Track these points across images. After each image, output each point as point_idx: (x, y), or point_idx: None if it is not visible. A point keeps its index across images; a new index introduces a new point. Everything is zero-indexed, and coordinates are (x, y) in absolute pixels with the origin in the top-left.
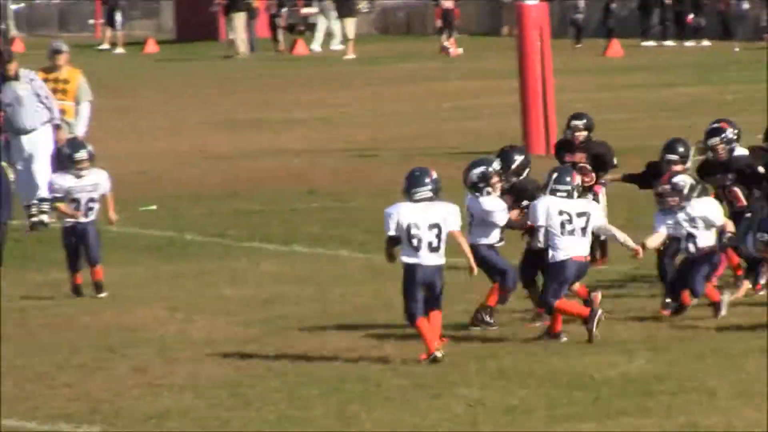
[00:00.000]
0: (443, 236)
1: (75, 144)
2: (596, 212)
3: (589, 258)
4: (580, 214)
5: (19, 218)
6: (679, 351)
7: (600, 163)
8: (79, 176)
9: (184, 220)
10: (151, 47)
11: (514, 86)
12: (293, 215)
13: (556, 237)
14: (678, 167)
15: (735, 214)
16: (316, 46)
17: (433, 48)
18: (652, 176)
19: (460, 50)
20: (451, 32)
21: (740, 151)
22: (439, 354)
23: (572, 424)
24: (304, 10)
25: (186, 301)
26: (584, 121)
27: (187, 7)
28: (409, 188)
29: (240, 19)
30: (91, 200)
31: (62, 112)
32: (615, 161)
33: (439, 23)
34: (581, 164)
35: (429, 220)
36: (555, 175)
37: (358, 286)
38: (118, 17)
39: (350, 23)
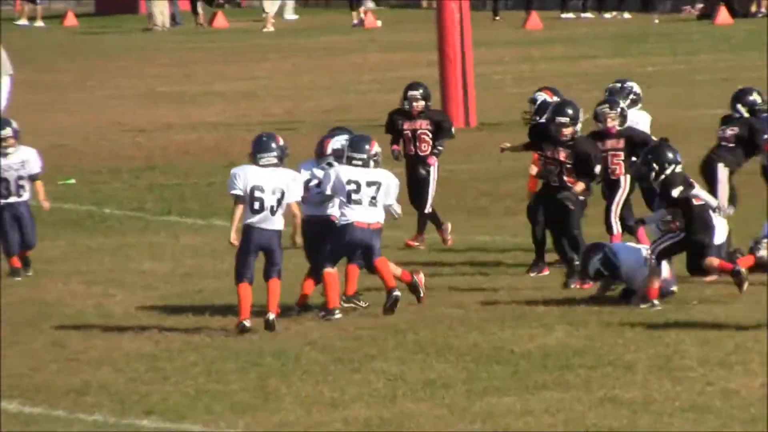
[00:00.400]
0: (284, 202)
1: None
2: (390, 183)
3: (376, 225)
4: (370, 183)
5: None
6: (597, 324)
7: (440, 131)
8: (4, 154)
9: (103, 194)
10: (71, 20)
11: (433, 59)
12: (211, 189)
13: (344, 205)
14: (568, 130)
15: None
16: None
17: (351, 20)
18: (539, 139)
19: (379, 22)
20: (360, 4)
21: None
22: (247, 324)
23: (492, 397)
24: None
25: (104, 276)
26: (421, 90)
27: None
28: (255, 153)
29: None
30: (20, 178)
31: None
32: (453, 131)
33: None
34: (421, 131)
35: (274, 184)
36: (352, 142)
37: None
38: None
39: None
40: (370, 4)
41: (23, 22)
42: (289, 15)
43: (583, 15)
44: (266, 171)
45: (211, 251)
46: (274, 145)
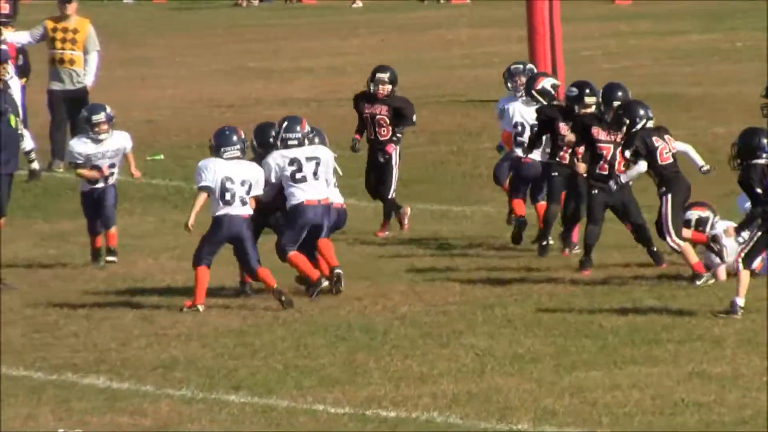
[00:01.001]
0: (251, 194)
1: (93, 106)
2: (329, 157)
3: (326, 201)
4: (309, 159)
5: (25, 168)
6: (686, 299)
7: (400, 117)
8: (98, 141)
9: (191, 170)
10: None
11: (522, 34)
12: None
13: (290, 186)
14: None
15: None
16: None
17: None
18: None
19: None
20: None
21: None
22: (200, 308)
23: (580, 372)
24: None
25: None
26: (389, 74)
27: None
28: (219, 147)
29: None
30: (113, 165)
31: (71, 62)
32: (414, 119)
33: None
34: (380, 116)
35: (242, 176)
36: (285, 124)
37: (368, 233)
38: None
39: None
40: None
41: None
42: None
43: None
44: (232, 163)
45: None
46: (236, 138)
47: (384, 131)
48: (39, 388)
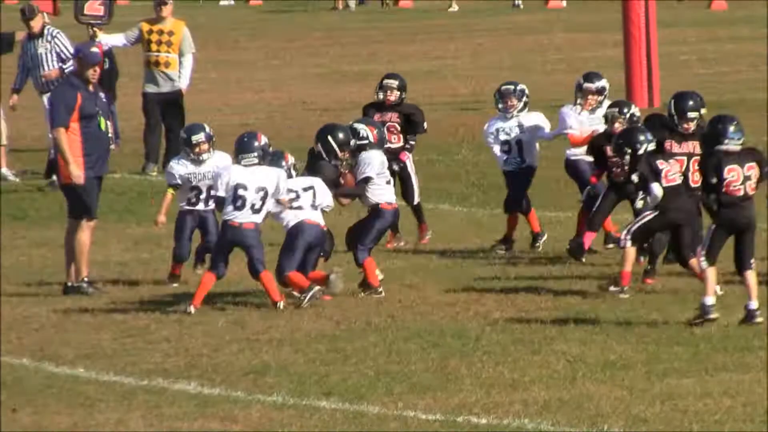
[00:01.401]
0: (268, 201)
1: (192, 127)
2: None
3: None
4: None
5: (119, 171)
6: None
7: (410, 124)
8: (198, 162)
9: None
10: None
11: (618, 39)
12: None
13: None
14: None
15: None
16: None
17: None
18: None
19: (564, 2)
20: None
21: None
22: (192, 309)
23: (672, 379)
24: None
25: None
26: (398, 81)
27: None
28: (238, 154)
29: None
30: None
31: (166, 64)
32: (425, 126)
33: None
34: (390, 123)
35: (257, 183)
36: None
37: (458, 240)
38: None
39: None
40: None
41: (225, 2)
42: None
43: None
44: (250, 170)
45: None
46: (255, 144)
47: (395, 138)
48: (130, 394)
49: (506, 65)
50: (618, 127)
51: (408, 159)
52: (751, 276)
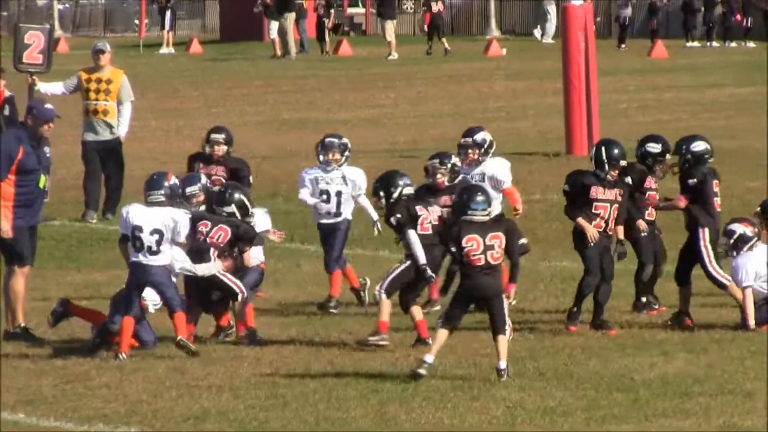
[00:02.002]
0: (164, 242)
1: (187, 178)
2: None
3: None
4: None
5: (60, 218)
6: (717, 352)
7: (235, 178)
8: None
9: None
10: (196, 47)
11: (558, 87)
12: None
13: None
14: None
15: None
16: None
17: (479, 48)
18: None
19: (504, 51)
20: (440, 35)
21: None
22: (122, 356)
23: (611, 425)
24: (350, 11)
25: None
26: (224, 135)
27: (231, 7)
28: (145, 191)
29: (290, 19)
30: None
31: (105, 112)
32: (251, 180)
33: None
34: (215, 176)
35: (153, 225)
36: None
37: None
38: (168, 17)
39: (389, 25)
40: (496, 33)
41: (166, 50)
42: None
43: (708, 44)
44: (150, 210)
45: (326, 282)
46: (165, 183)
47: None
48: None
49: (446, 113)
50: (440, 178)
51: None
52: (502, 340)
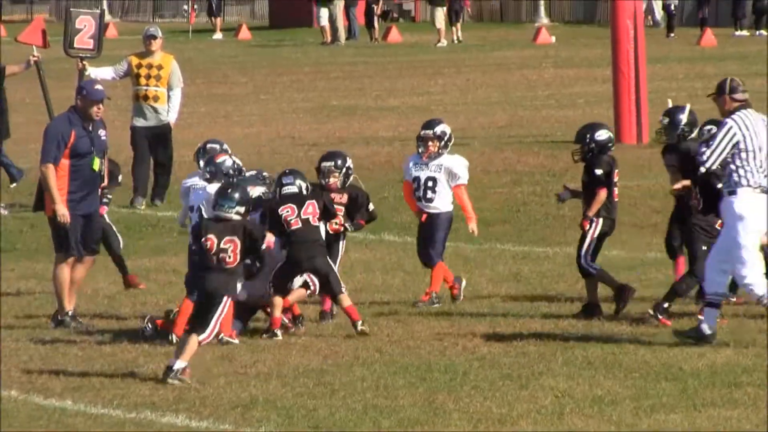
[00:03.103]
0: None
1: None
2: None
3: None
4: None
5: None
6: (766, 343)
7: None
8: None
9: None
10: (245, 33)
11: (607, 75)
12: (383, 203)
13: None
14: None
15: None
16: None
17: (528, 36)
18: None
19: (553, 38)
20: (455, 22)
21: None
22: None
23: (659, 414)
24: None
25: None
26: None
27: None
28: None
29: (340, 6)
30: None
31: (155, 98)
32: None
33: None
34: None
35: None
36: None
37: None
38: (215, 2)
39: (440, 12)
40: (545, 20)
41: (218, 36)
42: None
43: (757, 32)
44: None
45: (382, 266)
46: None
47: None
48: (118, 426)
49: (495, 100)
50: (333, 180)
51: None
52: (193, 340)
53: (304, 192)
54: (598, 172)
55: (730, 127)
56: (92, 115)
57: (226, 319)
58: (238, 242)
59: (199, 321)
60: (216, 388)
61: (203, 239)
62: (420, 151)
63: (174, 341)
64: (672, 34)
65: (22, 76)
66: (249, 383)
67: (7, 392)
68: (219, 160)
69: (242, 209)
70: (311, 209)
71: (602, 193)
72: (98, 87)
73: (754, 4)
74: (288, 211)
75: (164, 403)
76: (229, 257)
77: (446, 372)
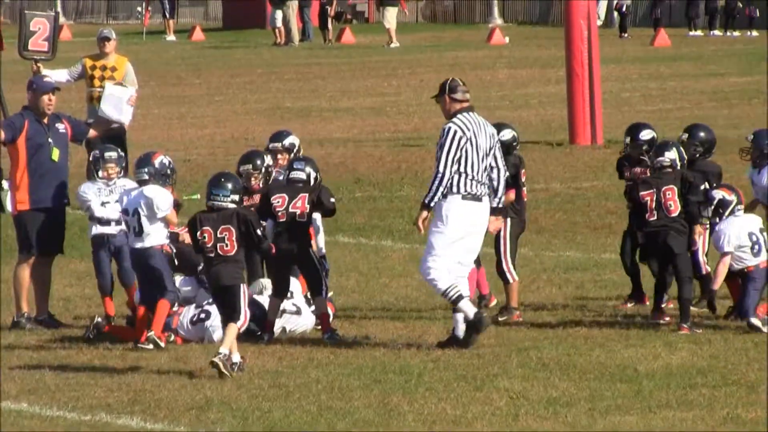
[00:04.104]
0: (144, 220)
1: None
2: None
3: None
4: None
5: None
6: (721, 344)
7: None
8: None
9: None
10: (198, 35)
11: (561, 75)
12: (338, 205)
13: None
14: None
15: None
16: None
17: (482, 36)
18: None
19: (506, 39)
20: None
21: None
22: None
23: (615, 416)
24: None
25: None
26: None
27: None
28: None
29: (293, 7)
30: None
31: None
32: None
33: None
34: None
35: (131, 205)
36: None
37: (400, 276)
38: (167, 4)
39: (390, 12)
40: (499, 21)
41: (171, 38)
42: None
43: (710, 33)
44: (134, 191)
45: (336, 268)
46: (150, 161)
47: None
48: (74, 428)
49: None
50: (254, 182)
51: None
52: (232, 329)
53: (311, 182)
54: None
55: (455, 132)
56: (44, 107)
57: (159, 319)
58: (234, 230)
59: (228, 311)
60: (171, 390)
61: (198, 233)
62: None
63: (139, 346)
64: (625, 35)
65: None
66: (204, 385)
67: None
68: (156, 159)
69: (237, 197)
70: (300, 203)
71: (510, 194)
72: (47, 79)
73: (707, 5)
74: (278, 201)
75: (119, 406)
76: (227, 245)
77: (401, 373)
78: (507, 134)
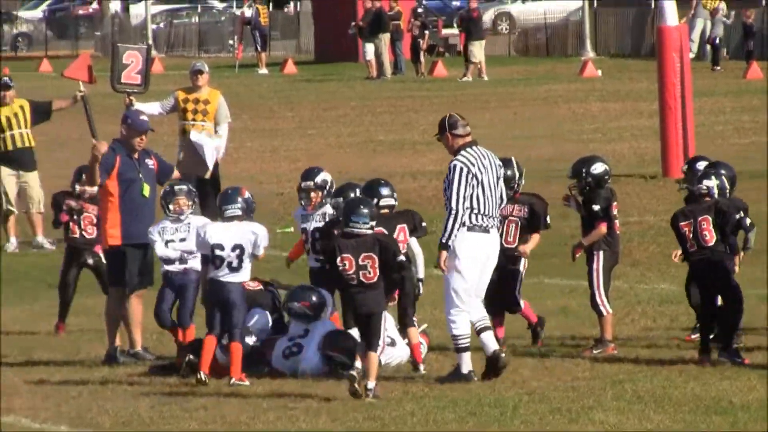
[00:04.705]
0: (245, 258)
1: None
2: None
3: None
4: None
5: None
6: None
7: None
8: None
9: None
10: (290, 68)
11: (653, 108)
12: (432, 238)
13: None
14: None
15: None
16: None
17: (574, 69)
18: None
19: (599, 72)
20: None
21: None
22: (202, 376)
23: None
24: (445, 32)
25: None
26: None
27: (326, 28)
28: (220, 206)
29: (385, 40)
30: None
31: None
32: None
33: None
34: None
35: (233, 241)
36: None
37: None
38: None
39: (477, 45)
40: (591, 54)
41: (263, 71)
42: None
43: None
44: (229, 226)
45: (431, 301)
46: (239, 198)
47: None
48: None
49: (542, 134)
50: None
51: None
52: (373, 358)
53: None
54: (596, 207)
55: (461, 168)
56: (134, 145)
57: (236, 362)
58: (375, 257)
59: (370, 338)
60: (265, 423)
61: (338, 260)
62: (304, 203)
63: (203, 379)
64: (718, 67)
65: (70, 111)
66: (299, 417)
67: (56, 428)
68: (245, 195)
69: (374, 223)
70: (402, 236)
71: (602, 228)
72: (143, 118)
73: None
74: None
75: None
76: (369, 273)
77: (496, 406)
78: (599, 167)
